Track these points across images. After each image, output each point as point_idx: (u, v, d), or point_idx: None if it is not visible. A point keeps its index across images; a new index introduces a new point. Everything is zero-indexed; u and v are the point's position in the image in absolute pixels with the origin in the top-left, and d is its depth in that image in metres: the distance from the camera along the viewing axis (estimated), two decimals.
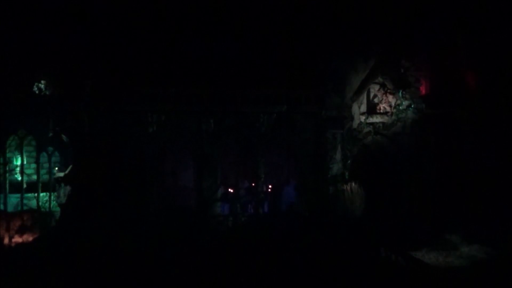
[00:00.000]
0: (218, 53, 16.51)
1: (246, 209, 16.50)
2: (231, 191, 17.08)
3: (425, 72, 16.86)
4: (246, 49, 16.70)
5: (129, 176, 15.23)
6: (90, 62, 15.34)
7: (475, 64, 16.93)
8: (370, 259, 12.31)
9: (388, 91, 16.65)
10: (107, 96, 15.31)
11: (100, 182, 14.98)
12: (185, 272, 11.36)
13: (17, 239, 14.29)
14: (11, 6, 15.53)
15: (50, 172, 16.00)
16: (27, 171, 16.27)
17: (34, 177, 15.96)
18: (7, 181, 15.62)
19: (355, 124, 16.59)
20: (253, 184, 16.87)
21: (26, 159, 16.37)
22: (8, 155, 15.92)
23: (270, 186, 17.61)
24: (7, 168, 15.72)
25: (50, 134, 15.39)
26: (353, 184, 15.94)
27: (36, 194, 15.73)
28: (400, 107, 16.55)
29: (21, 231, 14.37)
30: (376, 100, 16.73)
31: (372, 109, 16.67)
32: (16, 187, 15.92)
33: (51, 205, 15.73)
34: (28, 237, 14.38)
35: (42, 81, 15.07)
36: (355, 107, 16.64)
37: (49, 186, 15.86)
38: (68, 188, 15.15)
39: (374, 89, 16.73)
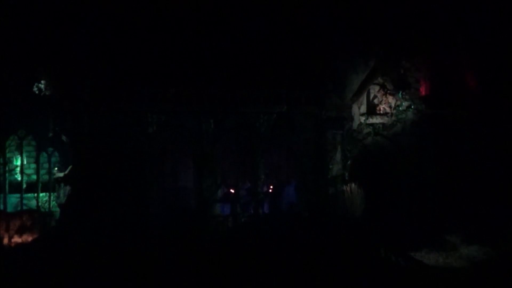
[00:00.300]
0: (218, 53, 16.50)
1: (247, 209, 16.48)
2: (233, 191, 17.07)
3: (425, 73, 16.87)
4: (246, 49, 16.68)
5: (129, 177, 15.22)
6: (90, 62, 15.32)
7: (475, 65, 16.94)
8: (370, 260, 12.31)
9: (388, 92, 16.66)
10: (107, 96, 15.30)
11: (100, 182, 14.98)
12: (185, 273, 11.35)
13: (17, 239, 14.28)
14: (11, 6, 15.52)
15: (50, 172, 15.99)
16: (27, 171, 16.26)
17: (34, 177, 15.96)
18: (7, 181, 15.62)
19: (355, 124, 16.60)
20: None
21: (26, 159, 16.37)
22: (8, 155, 15.92)
23: (271, 187, 17.60)
24: (7, 168, 15.71)
25: (50, 134, 15.39)
26: (353, 184, 15.94)
27: (35, 194, 15.73)
28: (400, 108, 16.56)
29: (20, 231, 14.36)
30: (376, 101, 16.74)
31: (372, 110, 16.68)
32: (16, 187, 15.92)
33: (51, 205, 15.72)
34: (28, 237, 14.37)
35: (42, 81, 15.06)
36: (355, 108, 16.64)
37: (49, 186, 15.86)
38: (68, 188, 15.14)
39: (374, 89, 16.74)
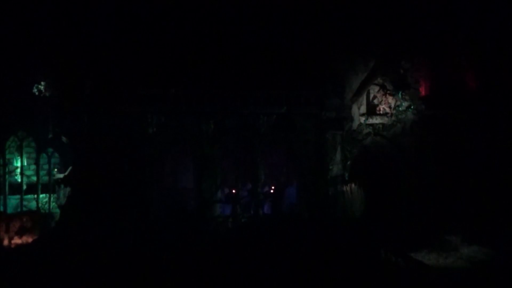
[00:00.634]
0: (218, 54, 16.49)
1: (247, 210, 16.48)
2: (235, 192, 17.08)
3: (425, 73, 16.86)
4: (246, 50, 16.67)
5: (129, 178, 15.22)
6: (90, 63, 15.33)
7: (475, 65, 16.92)
8: (370, 260, 12.30)
9: (388, 92, 16.66)
10: (107, 97, 15.30)
11: (100, 183, 14.98)
12: (185, 273, 11.35)
13: (17, 240, 14.29)
14: (10, 7, 15.52)
15: (49, 173, 16.00)
16: (27, 173, 16.28)
17: (34, 178, 15.97)
18: (7, 183, 15.62)
19: (354, 125, 16.59)
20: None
21: (26, 160, 16.39)
22: (7, 156, 15.94)
23: (272, 187, 17.60)
24: (7, 170, 15.72)
25: (50, 136, 15.40)
26: (353, 185, 15.94)
27: (35, 196, 15.73)
28: (400, 108, 16.56)
29: (20, 233, 14.37)
30: (375, 101, 16.74)
31: (371, 110, 16.67)
32: (16, 188, 15.93)
33: (51, 207, 15.74)
34: (28, 239, 14.37)
35: (42, 82, 15.07)
36: (354, 108, 16.64)
37: (49, 187, 15.87)
38: (68, 189, 15.15)
39: (374, 90, 16.74)
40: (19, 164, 16.24)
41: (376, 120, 16.62)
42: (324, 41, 16.56)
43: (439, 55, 16.91)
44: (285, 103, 16.24)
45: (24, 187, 15.89)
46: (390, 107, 16.65)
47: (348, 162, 16.39)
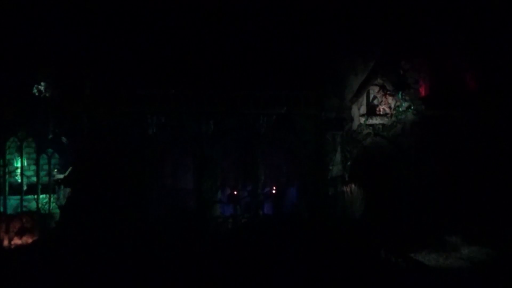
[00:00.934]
0: (218, 55, 16.51)
1: (248, 210, 16.47)
2: (236, 193, 17.07)
3: (425, 74, 16.86)
4: (246, 50, 16.69)
5: (129, 178, 15.21)
6: (90, 64, 15.34)
7: (474, 65, 16.93)
8: (370, 261, 12.30)
9: (388, 92, 16.64)
10: (107, 97, 15.31)
11: (100, 184, 14.98)
12: (185, 274, 11.34)
13: (17, 241, 14.29)
14: (11, 8, 15.54)
15: (49, 174, 15.99)
16: (27, 173, 16.28)
17: (34, 179, 15.96)
18: (7, 183, 15.62)
19: (354, 125, 16.58)
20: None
21: (26, 161, 16.39)
22: (8, 157, 15.94)
23: (274, 188, 17.59)
24: (7, 170, 15.72)
25: (50, 136, 15.41)
26: (353, 185, 15.93)
27: (35, 196, 15.72)
28: (400, 109, 16.55)
29: (20, 233, 14.37)
30: (375, 101, 16.73)
31: (371, 111, 16.66)
32: (16, 189, 15.93)
33: (51, 207, 15.72)
34: (28, 239, 14.38)
35: (42, 83, 15.08)
36: (354, 109, 16.63)
37: (49, 188, 15.86)
38: (68, 190, 15.16)
39: (374, 90, 16.72)
40: (19, 165, 16.25)
41: (376, 120, 16.61)
42: (324, 42, 16.57)
43: (439, 56, 16.92)
44: (285, 103, 16.24)
45: (24, 187, 15.89)
46: (390, 108, 16.64)
47: (348, 163, 16.38)
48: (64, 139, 15.44)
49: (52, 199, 15.74)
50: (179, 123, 15.87)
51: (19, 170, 16.21)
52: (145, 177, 15.52)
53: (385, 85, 16.64)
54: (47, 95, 15.10)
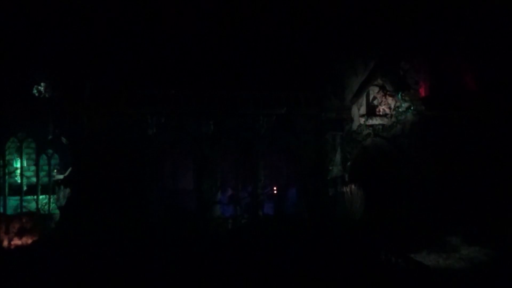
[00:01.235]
0: (218, 55, 16.52)
1: (248, 211, 16.46)
2: (236, 193, 17.04)
3: (425, 74, 16.88)
4: (246, 51, 16.70)
5: (129, 179, 15.21)
6: (90, 64, 15.34)
7: (474, 66, 16.94)
8: (370, 261, 12.28)
9: (388, 93, 16.66)
10: (107, 98, 15.30)
11: (99, 184, 14.97)
12: (184, 274, 11.33)
13: (16, 241, 14.27)
14: (11, 9, 15.54)
15: (49, 174, 15.99)
16: (27, 174, 16.26)
17: (34, 179, 15.95)
18: (7, 184, 15.61)
19: (354, 126, 16.60)
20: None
21: (26, 162, 16.37)
22: (7, 157, 15.92)
23: (275, 188, 17.59)
24: (7, 171, 15.70)
25: (50, 137, 15.41)
26: (353, 186, 15.92)
27: (35, 197, 15.71)
28: (400, 109, 16.56)
29: (20, 234, 14.35)
30: (375, 102, 16.75)
31: (371, 111, 16.68)
32: (16, 189, 15.92)
33: (51, 208, 15.71)
34: (28, 240, 14.35)
35: (42, 84, 15.08)
36: (354, 109, 16.65)
37: (49, 188, 15.85)
38: (68, 190, 15.15)
39: (374, 91, 16.74)
40: (19, 165, 16.23)
41: (376, 121, 16.62)
42: (324, 42, 16.58)
43: (439, 56, 16.93)
44: (285, 104, 16.25)
45: (24, 188, 15.87)
46: (390, 108, 16.65)
47: (348, 163, 16.39)
48: (64, 140, 15.43)
49: (51, 199, 15.73)
50: (179, 124, 15.87)
51: (19, 171, 16.19)
52: (145, 178, 15.52)
53: (385, 85, 16.67)
54: (47, 95, 15.10)
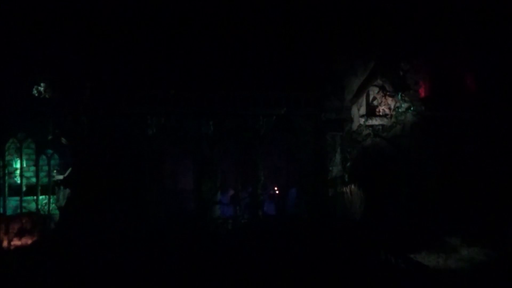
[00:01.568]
0: (218, 56, 16.53)
1: (248, 211, 16.46)
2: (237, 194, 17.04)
3: (424, 75, 16.88)
4: (246, 51, 16.71)
5: (128, 179, 15.21)
6: (90, 65, 15.35)
7: (474, 66, 16.95)
8: (370, 262, 12.29)
9: (388, 93, 16.67)
10: (107, 98, 15.31)
11: (99, 185, 14.98)
12: (184, 274, 11.33)
13: (16, 242, 14.27)
14: (11, 10, 15.55)
15: (49, 175, 15.98)
16: (26, 174, 16.26)
17: (33, 180, 15.95)
18: (6, 184, 15.61)
19: (354, 126, 16.60)
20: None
21: (26, 162, 16.36)
22: (7, 158, 15.92)
23: (276, 188, 17.59)
24: (7, 171, 15.70)
25: (50, 137, 15.41)
26: (352, 186, 15.92)
27: (35, 197, 15.71)
28: (400, 110, 16.57)
29: (20, 234, 14.36)
30: (375, 102, 16.75)
31: (371, 112, 16.68)
32: (16, 190, 15.92)
33: (50, 208, 15.71)
34: (27, 240, 14.36)
35: (42, 84, 15.09)
36: (354, 110, 16.65)
37: (49, 189, 15.84)
38: (67, 191, 15.15)
39: (374, 91, 16.75)
40: (18, 166, 16.23)
41: (375, 121, 16.62)
42: (324, 42, 16.59)
43: (439, 56, 16.93)
44: (284, 104, 16.26)
45: (24, 188, 15.87)
46: (389, 108, 16.66)
47: (348, 163, 16.39)
48: (63, 140, 15.43)
49: (51, 200, 15.73)
50: (179, 124, 15.88)
51: (18, 171, 16.19)
52: (145, 178, 15.52)
53: (384, 86, 16.67)
54: (47, 96, 15.11)
